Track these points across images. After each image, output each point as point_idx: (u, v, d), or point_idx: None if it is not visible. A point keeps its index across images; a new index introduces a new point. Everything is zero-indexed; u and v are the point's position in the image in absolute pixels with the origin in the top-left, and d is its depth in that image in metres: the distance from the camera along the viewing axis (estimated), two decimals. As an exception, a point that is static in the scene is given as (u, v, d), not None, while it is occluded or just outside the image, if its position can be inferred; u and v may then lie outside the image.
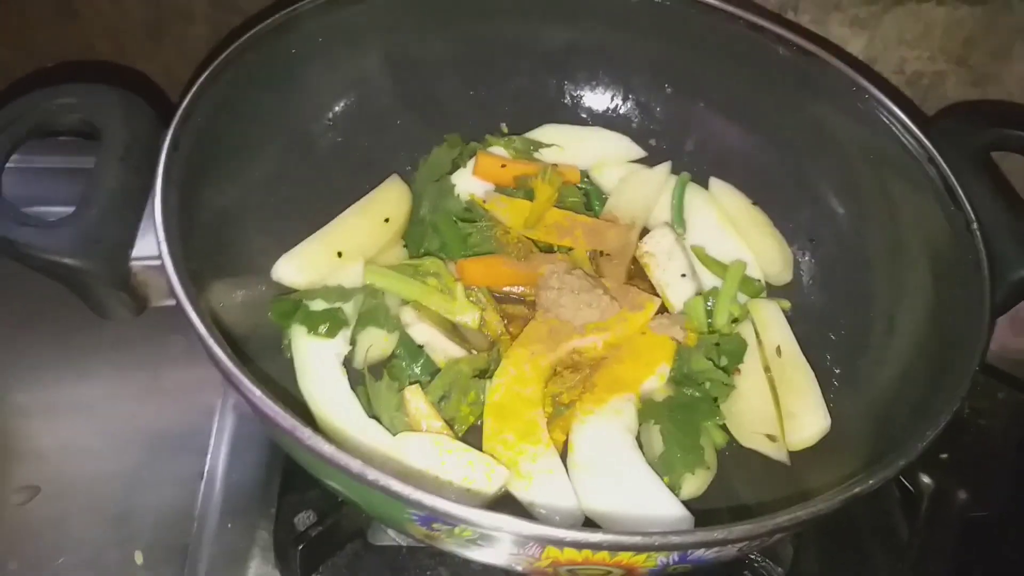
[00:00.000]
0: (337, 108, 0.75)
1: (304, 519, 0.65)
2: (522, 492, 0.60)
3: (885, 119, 0.68)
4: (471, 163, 0.78)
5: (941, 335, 0.59)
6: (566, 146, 0.81)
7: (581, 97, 0.83)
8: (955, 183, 0.64)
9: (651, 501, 0.59)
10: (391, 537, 0.66)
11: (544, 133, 0.81)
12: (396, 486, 0.43)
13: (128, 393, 0.72)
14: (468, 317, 0.70)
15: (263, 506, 0.66)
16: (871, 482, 0.47)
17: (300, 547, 0.63)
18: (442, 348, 0.68)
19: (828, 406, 0.66)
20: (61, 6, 0.83)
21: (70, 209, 0.55)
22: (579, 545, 0.44)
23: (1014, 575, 0.76)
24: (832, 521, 0.71)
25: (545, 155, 0.80)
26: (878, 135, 0.68)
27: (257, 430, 0.70)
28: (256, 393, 0.46)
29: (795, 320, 0.72)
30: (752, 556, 0.67)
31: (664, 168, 0.79)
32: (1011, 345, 0.90)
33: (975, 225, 0.61)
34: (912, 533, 0.72)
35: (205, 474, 0.68)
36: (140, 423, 0.70)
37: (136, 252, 0.56)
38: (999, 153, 0.69)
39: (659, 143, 0.82)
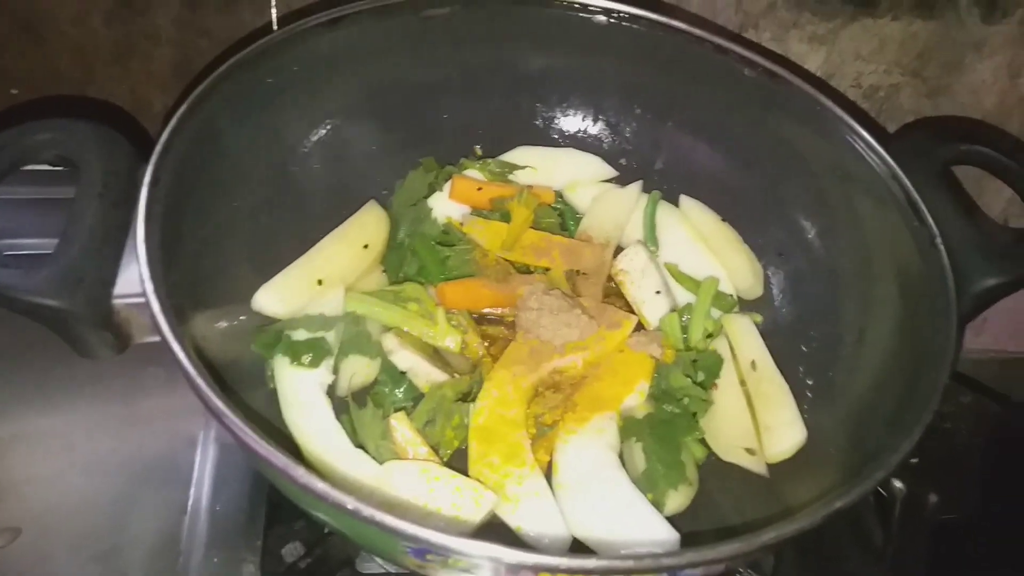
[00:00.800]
0: (314, 136, 0.75)
1: (292, 551, 0.65)
2: (509, 516, 0.60)
3: (848, 137, 0.70)
4: (447, 186, 0.79)
5: (911, 347, 0.61)
6: (540, 167, 0.82)
7: (554, 119, 0.84)
8: (918, 198, 0.66)
9: (637, 520, 0.60)
10: (379, 565, 0.67)
11: (518, 155, 0.82)
12: (391, 521, 0.44)
13: (109, 426, 0.71)
14: (451, 341, 0.71)
15: (249, 538, 0.65)
16: (851, 497, 0.49)
17: (287, 580, 0.63)
18: (425, 373, 0.68)
19: (803, 418, 0.68)
20: (26, 29, 0.82)
21: (48, 241, 0.55)
22: (573, 571, 0.45)
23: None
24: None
25: (519, 177, 0.81)
26: (842, 153, 0.70)
27: (241, 460, 0.69)
28: (247, 432, 0.47)
29: (767, 334, 0.73)
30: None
31: (635, 187, 0.81)
32: (971, 346, 0.92)
33: (939, 239, 0.63)
34: (886, 538, 0.74)
35: (189, 507, 0.67)
36: (122, 457, 0.69)
37: (118, 290, 0.56)
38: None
39: (630, 162, 0.83)
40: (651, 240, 0.79)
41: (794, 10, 0.81)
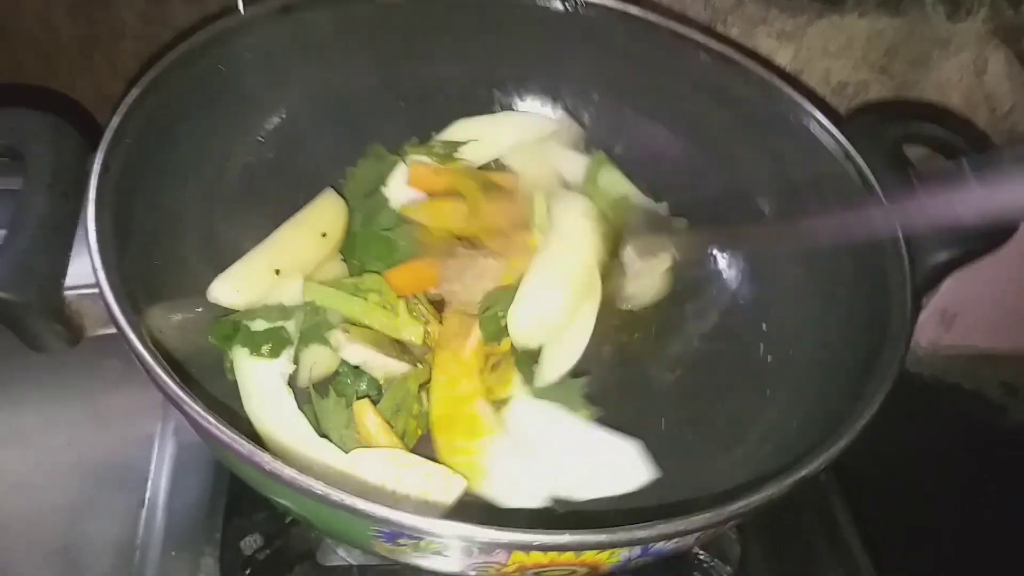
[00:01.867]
0: (268, 125, 0.74)
1: (251, 543, 0.64)
2: (484, 489, 0.60)
3: (803, 119, 0.71)
4: (401, 173, 0.78)
5: (869, 320, 0.62)
6: (481, 137, 0.80)
7: (512, 105, 0.83)
8: (871, 176, 0.67)
9: (608, 457, 0.61)
10: (341, 557, 0.66)
11: (457, 130, 0.80)
12: (362, 505, 0.43)
13: (64, 421, 0.69)
14: (412, 333, 0.70)
15: (208, 532, 0.65)
16: (816, 464, 0.50)
17: (247, 572, 0.62)
18: (381, 366, 0.67)
19: (765, 393, 0.68)
20: None
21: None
22: (545, 548, 0.45)
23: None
24: (778, 517, 0.75)
25: (467, 152, 0.80)
26: (796, 134, 0.71)
27: (199, 455, 0.68)
28: (210, 420, 0.46)
29: (729, 312, 0.74)
30: (701, 557, 0.70)
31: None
32: (942, 341, 0.95)
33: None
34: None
35: (146, 502, 0.66)
36: (78, 452, 0.68)
37: (69, 281, 0.54)
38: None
39: (589, 148, 0.83)
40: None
41: (762, 6, 0.82)
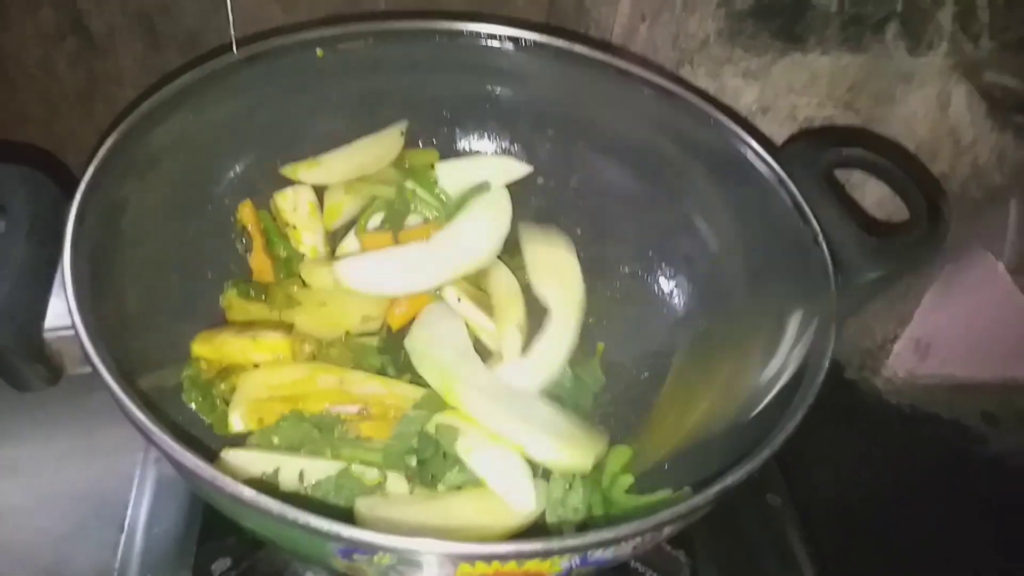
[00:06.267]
0: (238, 167, 0.78)
1: (221, 565, 0.68)
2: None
3: (739, 147, 0.76)
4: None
5: (799, 341, 0.66)
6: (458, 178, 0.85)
7: (471, 143, 0.88)
8: (802, 200, 0.71)
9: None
10: (309, 581, 0.70)
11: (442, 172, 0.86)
12: (314, 521, 0.47)
13: (51, 453, 0.75)
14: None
15: (183, 556, 0.69)
16: (740, 473, 0.53)
17: (217, 593, 0.66)
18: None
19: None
20: None
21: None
22: (488, 557, 0.49)
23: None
24: (728, 535, 0.79)
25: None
26: (734, 162, 0.76)
27: (176, 485, 0.73)
28: (176, 449, 0.50)
29: (677, 332, 0.78)
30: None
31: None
32: (918, 371, 0.96)
33: (820, 237, 0.69)
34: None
35: (126, 528, 0.71)
36: (63, 482, 0.73)
37: (49, 323, 0.58)
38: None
39: (547, 181, 0.88)
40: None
41: (726, 46, 0.85)
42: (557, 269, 0.82)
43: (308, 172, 0.81)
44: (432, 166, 0.85)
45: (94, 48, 0.86)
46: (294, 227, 0.79)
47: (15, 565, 0.68)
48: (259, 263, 0.78)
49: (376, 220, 0.82)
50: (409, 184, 0.83)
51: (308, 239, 0.80)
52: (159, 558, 0.68)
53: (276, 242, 0.79)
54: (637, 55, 0.87)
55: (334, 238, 0.83)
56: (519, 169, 0.87)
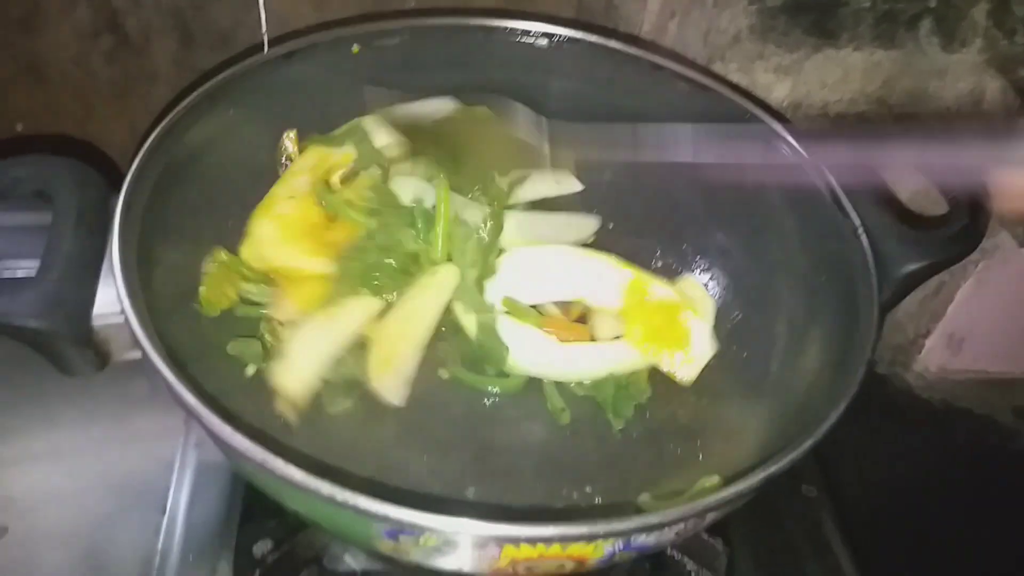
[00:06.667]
0: (281, 160, 0.78)
1: (261, 547, 0.69)
2: None
3: (775, 139, 0.76)
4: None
5: (838, 330, 0.66)
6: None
7: (504, 137, 0.89)
8: (840, 192, 0.71)
9: None
10: (346, 562, 0.70)
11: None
12: (364, 503, 0.48)
13: (94, 439, 0.76)
14: None
15: (224, 538, 0.70)
16: (784, 460, 0.53)
17: (257, 574, 0.67)
18: None
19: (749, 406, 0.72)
20: (29, 68, 0.87)
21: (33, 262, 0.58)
22: (532, 540, 0.49)
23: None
24: (764, 525, 0.79)
25: None
26: (769, 153, 0.76)
27: (217, 469, 0.74)
28: (226, 429, 0.50)
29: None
30: (687, 566, 0.73)
31: None
32: (950, 366, 0.96)
33: (860, 229, 0.69)
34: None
35: (167, 512, 0.72)
36: (106, 467, 0.74)
37: (97, 310, 0.59)
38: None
39: (579, 176, 0.87)
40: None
41: (758, 42, 0.85)
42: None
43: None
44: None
45: (129, 46, 0.87)
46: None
47: (57, 549, 0.69)
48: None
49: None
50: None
51: None
52: (200, 541, 0.69)
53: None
54: (669, 50, 0.87)
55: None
56: (569, 184, 0.83)
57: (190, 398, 0.51)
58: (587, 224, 0.83)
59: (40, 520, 0.70)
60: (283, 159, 0.78)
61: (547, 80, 0.85)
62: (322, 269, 0.69)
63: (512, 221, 0.76)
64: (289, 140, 0.77)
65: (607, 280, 0.74)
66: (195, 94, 0.70)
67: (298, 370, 0.65)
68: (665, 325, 0.72)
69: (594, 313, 0.76)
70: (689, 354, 0.72)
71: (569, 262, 0.74)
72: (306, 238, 0.70)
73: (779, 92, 0.89)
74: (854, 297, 0.66)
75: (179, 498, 0.71)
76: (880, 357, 0.99)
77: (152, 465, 0.73)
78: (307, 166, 0.75)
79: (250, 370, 0.68)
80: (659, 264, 0.85)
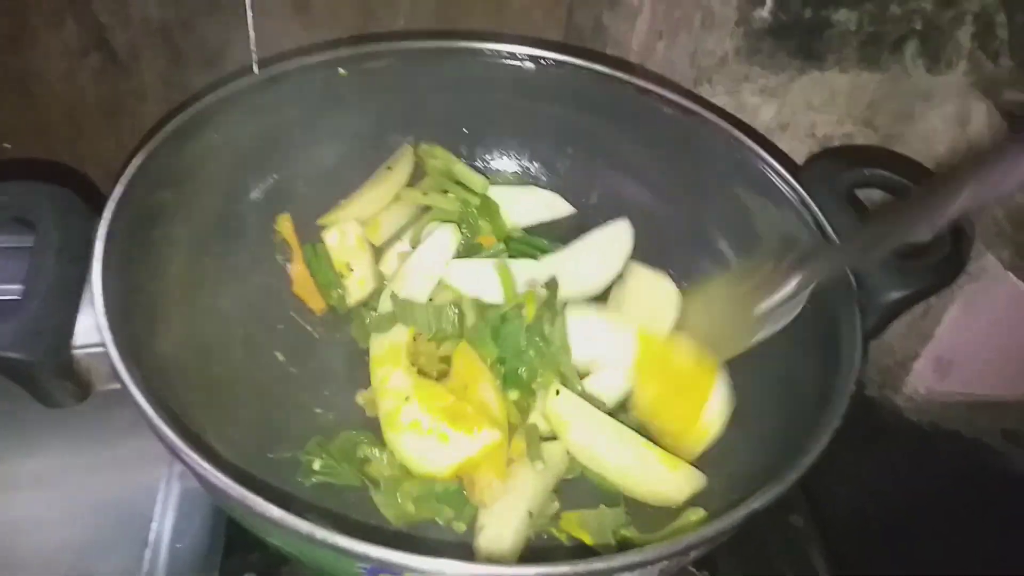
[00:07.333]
0: (264, 184, 0.79)
1: (244, 581, 0.68)
2: None
3: (760, 167, 0.76)
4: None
5: (823, 360, 0.66)
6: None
7: (492, 160, 0.89)
8: (824, 221, 0.71)
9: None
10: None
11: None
12: (343, 542, 0.47)
13: (78, 467, 0.75)
14: None
15: (207, 571, 0.69)
16: (768, 496, 0.53)
17: (240, 608, 0.66)
18: None
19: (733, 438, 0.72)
20: (17, 86, 0.86)
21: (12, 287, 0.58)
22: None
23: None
24: (751, 556, 0.77)
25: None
26: (755, 182, 0.76)
27: (200, 499, 0.73)
28: (207, 467, 0.50)
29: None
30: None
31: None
32: (938, 389, 0.96)
33: (844, 259, 0.69)
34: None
35: (150, 542, 0.71)
36: (90, 495, 0.73)
37: (78, 340, 0.58)
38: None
39: (567, 198, 0.88)
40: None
41: (744, 64, 0.86)
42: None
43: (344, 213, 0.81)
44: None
45: (117, 64, 0.87)
46: (349, 266, 0.79)
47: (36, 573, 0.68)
48: (299, 273, 0.79)
49: (433, 229, 0.80)
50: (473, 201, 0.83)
51: (357, 271, 0.79)
52: (183, 572, 0.68)
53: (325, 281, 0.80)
54: (655, 73, 0.87)
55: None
56: (562, 208, 0.87)
57: (170, 433, 0.51)
58: (561, 206, 0.87)
59: (22, 548, 0.69)
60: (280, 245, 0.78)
61: (534, 102, 0.85)
62: (492, 438, 0.66)
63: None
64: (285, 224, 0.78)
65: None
66: (178, 118, 0.70)
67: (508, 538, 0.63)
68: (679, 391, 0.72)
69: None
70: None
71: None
72: (456, 422, 0.67)
73: (766, 114, 0.90)
74: (837, 326, 0.66)
75: (162, 529, 0.71)
76: (868, 380, 0.99)
77: (136, 495, 0.73)
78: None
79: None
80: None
